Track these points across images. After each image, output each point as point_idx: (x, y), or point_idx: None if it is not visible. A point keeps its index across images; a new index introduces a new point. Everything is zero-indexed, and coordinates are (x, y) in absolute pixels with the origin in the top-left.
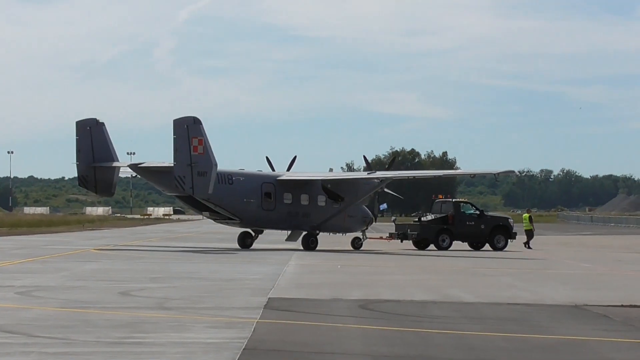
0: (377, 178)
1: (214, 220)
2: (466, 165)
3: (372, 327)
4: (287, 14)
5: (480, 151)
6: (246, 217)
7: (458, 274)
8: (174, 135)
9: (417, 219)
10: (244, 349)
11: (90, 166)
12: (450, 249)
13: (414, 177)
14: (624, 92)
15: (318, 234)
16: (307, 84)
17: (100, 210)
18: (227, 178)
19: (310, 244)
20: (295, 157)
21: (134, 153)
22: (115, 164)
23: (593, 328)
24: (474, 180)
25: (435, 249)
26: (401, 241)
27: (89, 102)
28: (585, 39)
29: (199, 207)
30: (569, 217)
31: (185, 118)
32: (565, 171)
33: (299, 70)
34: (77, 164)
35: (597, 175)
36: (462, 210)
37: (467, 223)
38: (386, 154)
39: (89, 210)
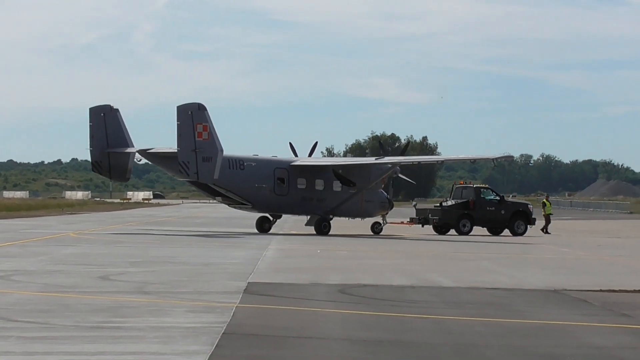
0: (387, 163)
1: (228, 205)
2: (446, 150)
3: (350, 311)
4: None
5: (461, 136)
6: (258, 201)
7: (437, 259)
8: (177, 121)
9: (438, 204)
10: (223, 333)
11: (104, 152)
12: (471, 234)
13: (419, 162)
14: (604, 77)
15: (332, 218)
16: (288, 68)
17: (79, 195)
18: (239, 163)
19: (322, 229)
20: (316, 143)
21: None
22: (129, 149)
23: (572, 313)
24: (453, 165)
25: (456, 234)
26: (422, 226)
27: (68, 86)
28: (565, 24)
29: (212, 192)
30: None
31: (190, 104)
32: (545, 156)
33: (279, 54)
34: (90, 150)
35: (576, 160)
36: (482, 196)
37: (488, 208)
38: (366, 138)
39: (69, 194)
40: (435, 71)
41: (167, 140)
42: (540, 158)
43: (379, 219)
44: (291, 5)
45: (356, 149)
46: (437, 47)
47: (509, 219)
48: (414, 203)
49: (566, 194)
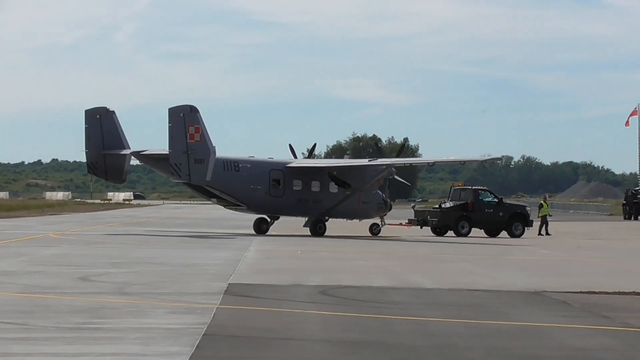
0: (381, 164)
1: (224, 206)
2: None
3: (331, 313)
4: None
5: (442, 138)
6: (253, 203)
7: (418, 260)
8: (169, 123)
9: (437, 206)
10: (203, 334)
11: (99, 154)
12: (469, 235)
13: (411, 164)
14: (584, 79)
15: (327, 220)
16: (269, 69)
17: (60, 195)
18: (234, 165)
19: (318, 230)
20: (315, 145)
21: None
22: (125, 151)
23: (552, 314)
24: (433, 167)
25: (454, 235)
26: (421, 227)
27: (50, 87)
28: (546, 25)
29: (207, 193)
30: (529, 204)
31: (182, 107)
32: (525, 158)
33: (261, 55)
34: (86, 152)
35: (557, 162)
36: (481, 198)
37: (486, 210)
38: (347, 139)
39: (49, 195)
40: (417, 72)
41: (150, 140)
42: (521, 160)
43: (377, 220)
44: (272, 7)
45: (337, 151)
46: (418, 49)
47: (507, 221)
48: (412, 204)
49: (547, 196)
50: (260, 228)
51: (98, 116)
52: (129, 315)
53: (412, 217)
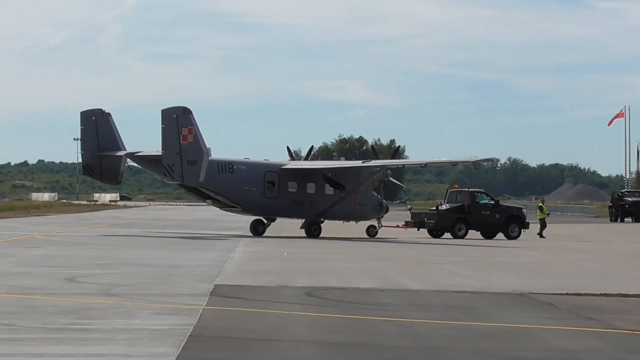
0: (375, 166)
1: (220, 207)
2: (414, 153)
3: (317, 314)
4: (236, 1)
5: (428, 139)
6: (248, 204)
7: (405, 262)
8: (162, 124)
9: (434, 208)
10: (189, 335)
11: (95, 155)
12: (466, 237)
13: (404, 165)
14: (571, 81)
15: (323, 221)
16: (256, 70)
17: (46, 196)
18: (228, 167)
19: (313, 232)
20: (312, 147)
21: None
22: (120, 152)
23: (538, 316)
24: (422, 169)
25: (451, 237)
26: (417, 229)
27: (35, 88)
28: (532, 28)
29: (202, 195)
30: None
31: (175, 108)
32: (512, 160)
33: (248, 57)
34: (81, 153)
35: (543, 164)
36: (477, 200)
37: (483, 212)
38: (334, 141)
39: (35, 196)
40: (404, 74)
41: (136, 141)
42: (507, 162)
43: (374, 222)
44: (259, 8)
45: (323, 152)
46: (405, 51)
47: (504, 223)
48: (409, 206)
49: (533, 198)
50: (257, 230)
51: (94, 118)
52: (115, 316)
53: (409, 219)
